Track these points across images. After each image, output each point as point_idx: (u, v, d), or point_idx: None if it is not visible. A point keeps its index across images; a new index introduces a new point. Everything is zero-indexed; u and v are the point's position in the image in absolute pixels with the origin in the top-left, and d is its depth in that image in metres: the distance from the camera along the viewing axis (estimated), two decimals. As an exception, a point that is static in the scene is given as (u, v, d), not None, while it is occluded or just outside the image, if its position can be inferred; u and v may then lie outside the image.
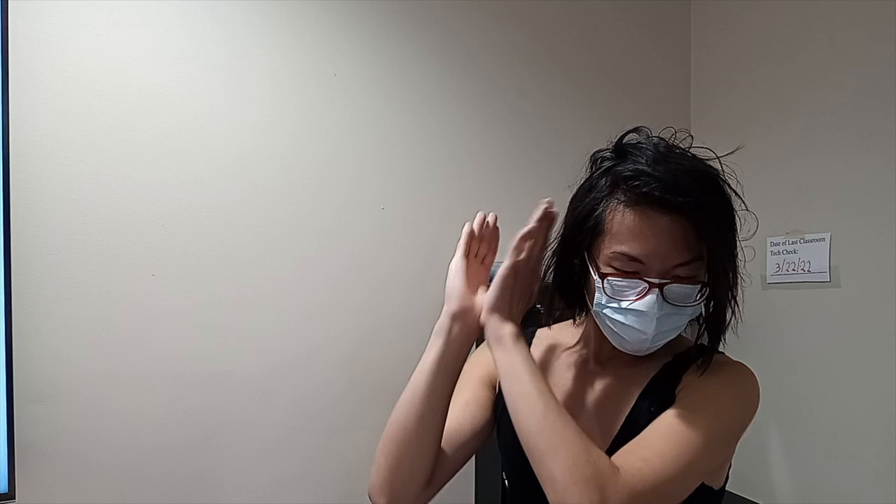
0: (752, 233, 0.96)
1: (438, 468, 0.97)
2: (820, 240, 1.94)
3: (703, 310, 0.91)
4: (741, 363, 0.95)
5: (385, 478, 0.97)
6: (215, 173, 1.79)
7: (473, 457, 2.26)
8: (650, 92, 2.34)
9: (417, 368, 0.96)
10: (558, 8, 2.23)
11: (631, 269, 0.86)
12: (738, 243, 0.90)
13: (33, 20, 1.60)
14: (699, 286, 0.87)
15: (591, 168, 0.97)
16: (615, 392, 0.96)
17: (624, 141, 0.93)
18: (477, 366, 1.10)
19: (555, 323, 1.09)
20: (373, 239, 1.98)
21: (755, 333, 2.07)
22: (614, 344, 0.92)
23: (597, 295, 0.90)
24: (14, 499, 1.53)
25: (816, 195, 1.98)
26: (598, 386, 0.98)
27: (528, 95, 2.19)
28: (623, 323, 0.88)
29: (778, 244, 2.05)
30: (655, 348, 0.91)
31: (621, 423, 0.92)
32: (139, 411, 1.71)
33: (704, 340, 0.95)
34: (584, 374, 1.01)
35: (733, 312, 0.92)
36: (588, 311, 0.99)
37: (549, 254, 1.00)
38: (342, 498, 1.93)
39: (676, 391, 0.90)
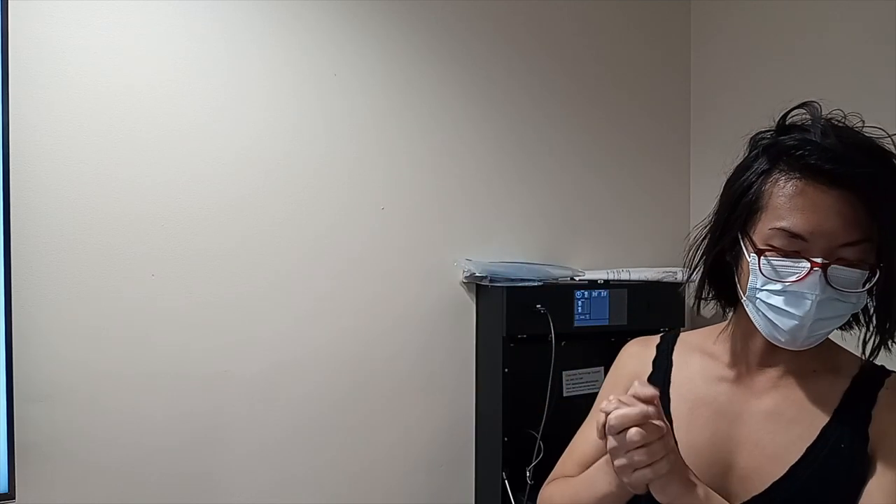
0: None
1: None
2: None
3: (870, 302, 0.83)
4: None
5: None
6: (215, 173, 1.79)
7: (473, 456, 2.26)
8: (650, 92, 2.34)
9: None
10: (558, 8, 2.23)
11: (792, 247, 0.80)
12: None
13: (33, 20, 1.60)
14: (867, 272, 0.80)
15: (750, 148, 0.89)
16: (782, 413, 0.87)
17: (789, 117, 0.87)
18: (617, 384, 1.02)
19: (704, 313, 1.01)
20: (373, 239, 1.97)
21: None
22: (766, 335, 0.84)
23: (751, 278, 0.83)
24: (14, 499, 1.52)
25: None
26: (759, 404, 0.89)
27: (528, 95, 2.19)
28: (779, 307, 0.81)
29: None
30: (812, 342, 0.83)
31: (801, 453, 0.84)
32: (139, 411, 1.71)
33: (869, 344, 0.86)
34: (738, 388, 0.92)
35: None
36: (736, 307, 0.92)
37: (700, 235, 0.91)
38: (343, 499, 1.93)
39: (869, 430, 0.83)
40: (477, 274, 2.02)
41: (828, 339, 0.89)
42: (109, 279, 1.68)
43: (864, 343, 0.87)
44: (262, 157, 1.84)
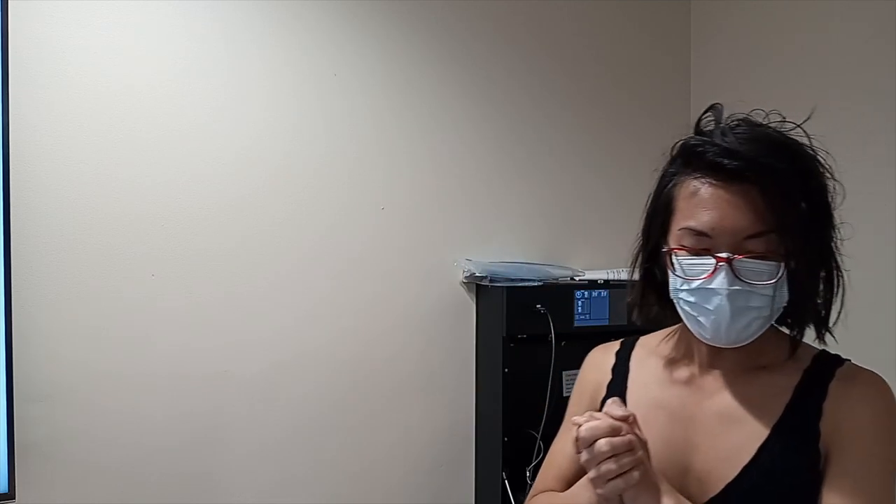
0: (839, 204, 0.87)
1: None
2: (820, 240, 1.94)
3: (790, 295, 0.83)
4: (876, 381, 0.87)
5: None
6: (215, 173, 1.79)
7: (473, 456, 2.26)
8: (650, 92, 2.34)
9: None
10: (559, 8, 2.23)
11: (701, 245, 0.82)
12: (829, 221, 0.84)
13: (33, 20, 1.60)
14: (779, 264, 0.80)
15: (669, 156, 0.92)
16: (733, 413, 0.88)
17: (701, 122, 0.89)
18: (582, 396, 1.03)
19: (650, 322, 1.00)
20: (373, 239, 1.97)
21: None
22: (694, 332, 0.86)
23: (671, 280, 0.85)
24: (14, 499, 1.52)
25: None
26: (711, 405, 0.90)
27: (528, 95, 2.19)
28: (697, 304, 0.82)
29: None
30: (739, 337, 0.83)
31: (752, 454, 0.85)
32: (139, 411, 1.71)
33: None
34: (691, 390, 0.93)
35: (828, 301, 0.85)
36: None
37: (636, 247, 0.94)
38: (343, 499, 1.93)
39: (821, 424, 0.84)
40: (477, 274, 2.02)
41: (778, 332, 0.90)
42: (109, 279, 1.68)
43: (791, 332, 0.88)
44: (262, 157, 1.84)
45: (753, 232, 0.80)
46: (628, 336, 1.07)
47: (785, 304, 0.84)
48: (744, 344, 0.84)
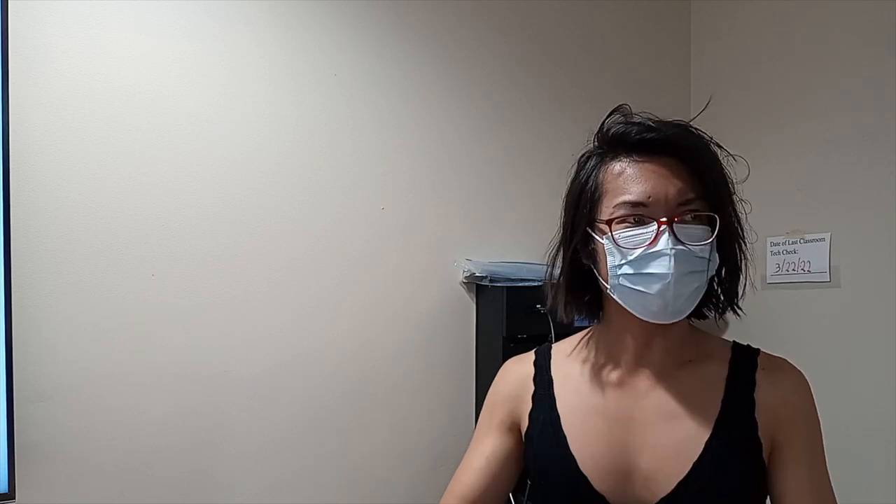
0: (744, 178, 0.95)
1: None
2: (820, 240, 1.94)
3: (718, 265, 0.88)
4: (795, 368, 0.93)
5: None
6: (215, 173, 1.79)
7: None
8: (650, 92, 2.34)
9: None
10: (559, 8, 2.23)
11: (637, 214, 0.85)
12: (736, 195, 0.90)
13: (33, 20, 1.60)
14: (708, 228, 0.86)
15: (578, 166, 0.98)
16: (671, 410, 0.89)
17: (605, 120, 0.96)
18: (495, 408, 1.03)
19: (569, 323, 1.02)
20: (373, 239, 1.97)
21: (755, 333, 2.07)
22: (638, 312, 0.87)
23: (609, 259, 0.87)
24: (14, 499, 1.53)
25: (816, 195, 1.98)
26: (647, 404, 0.91)
27: (528, 95, 2.19)
28: (640, 275, 0.84)
29: (778, 244, 2.05)
30: (683, 306, 0.85)
31: (700, 450, 0.86)
32: (139, 411, 1.71)
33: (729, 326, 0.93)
34: (623, 391, 0.93)
35: (744, 268, 0.91)
36: (603, 310, 0.95)
37: (552, 251, 0.96)
38: (342, 499, 1.93)
39: (756, 415, 0.87)
40: (477, 274, 2.02)
41: (693, 327, 0.95)
42: (109, 279, 1.68)
43: (716, 306, 0.92)
44: (262, 157, 1.84)
45: (684, 199, 0.85)
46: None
47: (713, 274, 0.88)
48: (681, 318, 0.87)
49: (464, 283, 2.08)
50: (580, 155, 0.97)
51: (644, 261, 0.84)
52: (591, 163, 0.93)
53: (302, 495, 1.89)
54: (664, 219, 0.84)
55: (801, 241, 1.99)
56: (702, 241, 0.85)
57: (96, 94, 1.66)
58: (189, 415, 1.76)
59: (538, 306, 1.95)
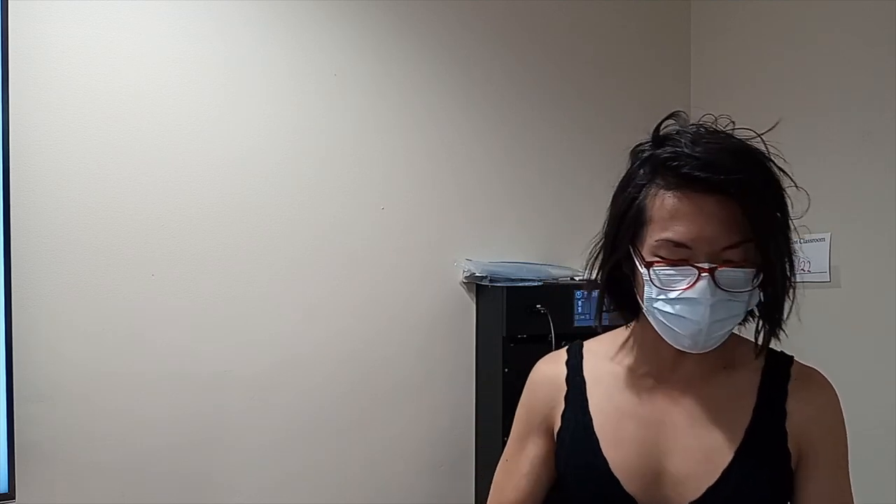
0: (805, 210, 0.91)
1: None
2: (820, 240, 1.94)
3: (761, 298, 0.86)
4: (828, 382, 0.92)
5: None
6: (215, 173, 1.79)
7: (473, 456, 2.25)
8: (650, 92, 2.34)
9: None
10: (558, 9, 2.23)
11: (678, 256, 0.82)
12: (790, 225, 0.86)
13: (33, 20, 1.60)
14: (753, 271, 0.82)
15: (632, 161, 0.92)
16: (703, 415, 0.89)
17: (662, 128, 0.90)
18: (533, 413, 1.04)
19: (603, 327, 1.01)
20: (373, 239, 1.97)
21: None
22: (669, 340, 0.86)
23: (646, 290, 0.85)
24: (14, 499, 1.53)
25: (816, 195, 1.97)
26: (680, 409, 0.91)
27: (527, 95, 2.19)
28: (675, 315, 0.83)
29: (778, 244, 2.05)
30: (714, 343, 0.84)
31: (731, 456, 0.86)
32: (139, 411, 1.71)
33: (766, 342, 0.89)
34: (656, 396, 0.92)
35: (792, 302, 0.87)
36: (639, 315, 0.93)
37: (595, 251, 0.94)
38: (342, 499, 1.93)
39: (787, 425, 0.87)
40: (477, 274, 2.02)
41: (733, 333, 0.91)
42: (109, 279, 1.68)
43: (757, 333, 0.90)
44: (262, 157, 1.84)
45: (731, 242, 0.81)
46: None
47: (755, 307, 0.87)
48: (713, 348, 0.86)
49: (464, 283, 2.08)
50: (636, 149, 0.91)
51: (680, 303, 0.83)
52: (641, 178, 0.87)
53: (302, 495, 1.89)
54: (705, 265, 0.81)
55: (801, 241, 1.98)
56: (745, 286, 0.82)
57: (96, 94, 1.66)
58: (189, 415, 1.76)
59: (538, 306, 1.95)
